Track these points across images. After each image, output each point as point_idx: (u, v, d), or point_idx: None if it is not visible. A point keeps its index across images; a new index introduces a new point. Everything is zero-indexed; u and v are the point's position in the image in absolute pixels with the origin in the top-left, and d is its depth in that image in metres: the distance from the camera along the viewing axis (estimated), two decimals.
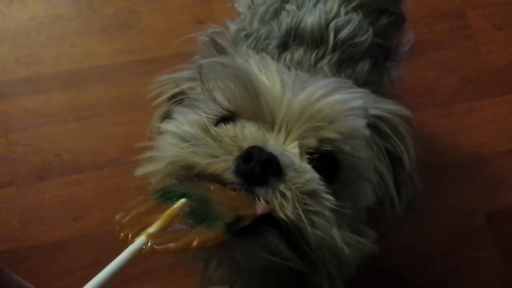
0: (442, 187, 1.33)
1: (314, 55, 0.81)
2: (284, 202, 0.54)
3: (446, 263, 1.26)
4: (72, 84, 1.38)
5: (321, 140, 0.59)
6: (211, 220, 0.50)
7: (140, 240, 0.46)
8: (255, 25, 0.87)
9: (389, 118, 0.67)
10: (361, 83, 0.81)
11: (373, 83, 0.85)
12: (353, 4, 0.87)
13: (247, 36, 0.85)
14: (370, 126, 0.64)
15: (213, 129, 0.59)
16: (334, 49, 0.82)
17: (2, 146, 1.31)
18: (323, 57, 0.81)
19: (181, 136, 0.59)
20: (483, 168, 1.36)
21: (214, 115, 0.63)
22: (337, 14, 0.85)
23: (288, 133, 0.59)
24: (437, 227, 1.29)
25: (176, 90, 0.72)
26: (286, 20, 0.84)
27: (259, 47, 0.82)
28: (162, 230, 0.48)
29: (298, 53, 0.81)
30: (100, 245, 1.20)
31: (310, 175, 0.56)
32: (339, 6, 0.85)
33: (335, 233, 0.55)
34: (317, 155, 0.59)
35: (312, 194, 0.55)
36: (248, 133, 0.58)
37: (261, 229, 0.54)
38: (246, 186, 0.54)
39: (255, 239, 0.55)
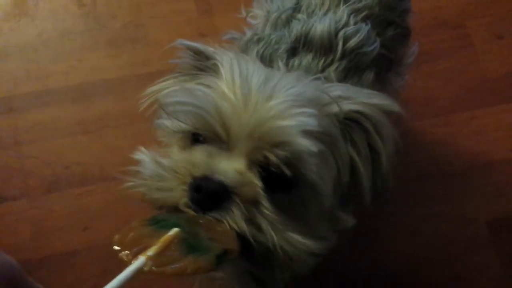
0: (443, 195, 1.34)
1: (322, 61, 0.83)
2: (234, 217, 0.60)
3: (446, 270, 1.27)
4: (80, 97, 1.40)
5: (266, 159, 0.63)
6: (202, 251, 0.55)
7: (140, 261, 0.50)
8: (267, 30, 0.90)
9: (371, 116, 0.68)
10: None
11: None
12: (362, 14, 0.89)
13: (258, 41, 0.87)
14: (352, 120, 0.68)
15: (166, 162, 0.65)
16: (342, 57, 0.84)
17: (12, 159, 1.33)
18: (331, 64, 0.83)
19: (145, 170, 0.66)
20: (483, 176, 1.37)
21: (183, 131, 0.68)
22: (347, 24, 0.87)
23: (240, 150, 0.63)
24: (437, 234, 1.30)
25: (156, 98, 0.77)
26: (296, 27, 0.86)
27: (269, 51, 0.85)
28: (160, 254, 0.52)
29: (306, 59, 0.83)
30: (109, 255, 1.19)
31: (251, 187, 0.62)
32: (349, 16, 0.88)
33: (279, 237, 0.61)
34: (268, 170, 0.64)
35: (255, 202, 0.61)
36: (197, 160, 0.63)
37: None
38: (201, 211, 0.60)
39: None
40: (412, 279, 1.27)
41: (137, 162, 0.68)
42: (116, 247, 0.53)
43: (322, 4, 0.90)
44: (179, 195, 0.62)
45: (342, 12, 0.88)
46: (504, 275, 1.27)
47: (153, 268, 0.50)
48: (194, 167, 0.62)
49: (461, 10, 1.57)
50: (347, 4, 0.90)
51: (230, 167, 0.63)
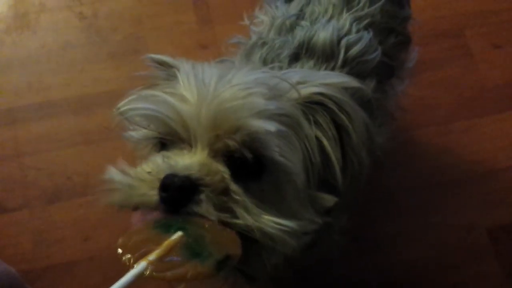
0: (443, 204, 1.34)
1: (323, 68, 0.84)
2: (206, 208, 0.60)
3: (448, 279, 1.26)
4: (82, 109, 1.41)
5: (227, 147, 0.63)
6: (203, 256, 0.55)
7: (141, 266, 0.51)
8: (272, 35, 0.91)
9: (332, 95, 0.69)
10: (367, 100, 0.82)
11: (378, 100, 0.88)
12: (365, 22, 0.90)
13: (263, 45, 0.88)
14: (315, 103, 0.68)
15: (131, 172, 0.66)
16: (343, 65, 0.85)
17: (14, 170, 1.34)
18: (332, 71, 0.84)
19: (115, 184, 0.68)
20: (483, 185, 1.37)
21: (154, 139, 0.70)
22: (349, 31, 0.88)
23: (201, 143, 0.64)
24: (438, 243, 1.30)
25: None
26: (300, 34, 0.87)
27: (272, 56, 0.86)
28: (161, 258, 0.53)
29: (308, 65, 0.84)
30: (109, 265, 1.21)
31: (218, 176, 0.63)
32: (351, 24, 0.89)
33: (257, 220, 0.62)
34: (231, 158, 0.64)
35: (224, 190, 0.62)
36: (159, 164, 0.64)
37: None
38: (174, 209, 0.61)
39: None
40: (413, 287, 1.27)
41: (108, 180, 0.69)
42: (119, 250, 0.54)
43: (325, 11, 0.91)
44: (151, 199, 0.62)
45: (345, 20, 0.89)
46: (505, 282, 1.27)
47: (154, 273, 0.51)
48: (158, 171, 0.63)
49: (459, 20, 1.57)
50: (350, 12, 0.91)
51: (192, 161, 0.63)
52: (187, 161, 0.63)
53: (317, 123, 0.69)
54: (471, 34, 1.56)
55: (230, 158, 0.64)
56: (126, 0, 1.56)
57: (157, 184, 0.62)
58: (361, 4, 0.92)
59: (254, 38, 0.94)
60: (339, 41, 0.86)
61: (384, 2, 0.94)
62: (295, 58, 0.85)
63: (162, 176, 0.62)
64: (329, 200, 0.70)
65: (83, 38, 1.51)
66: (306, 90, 0.68)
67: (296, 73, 0.72)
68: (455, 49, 1.54)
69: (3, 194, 1.32)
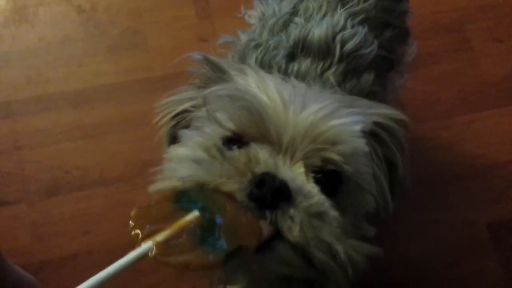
0: (443, 199, 1.34)
1: (320, 65, 0.83)
2: (292, 225, 0.57)
3: (448, 275, 1.27)
4: (80, 102, 1.41)
5: (325, 160, 0.62)
6: (214, 244, 0.53)
7: (146, 246, 0.50)
8: (265, 36, 0.90)
9: (387, 125, 0.69)
10: (365, 94, 0.84)
11: (377, 93, 0.88)
12: (359, 18, 0.90)
13: (256, 46, 0.87)
14: (369, 133, 0.67)
15: (228, 153, 0.62)
16: (340, 60, 0.84)
17: (12, 163, 1.34)
18: (329, 67, 0.84)
19: (194, 159, 0.62)
20: (484, 180, 1.37)
21: (219, 137, 0.66)
22: (344, 27, 0.87)
23: (293, 153, 0.62)
24: (438, 239, 1.30)
25: (179, 109, 0.75)
26: (294, 32, 0.86)
27: (268, 57, 0.85)
28: (170, 239, 0.51)
29: (305, 64, 0.83)
30: (109, 259, 1.20)
31: (317, 198, 0.60)
32: (346, 20, 0.88)
33: (340, 250, 0.59)
34: (321, 173, 0.62)
35: (320, 215, 0.59)
36: (260, 158, 0.61)
37: (274, 245, 0.58)
38: (257, 209, 0.57)
39: (271, 255, 0.58)
40: (414, 284, 1.27)
41: (167, 160, 0.66)
42: (130, 222, 0.52)
43: (320, 8, 0.90)
44: (234, 185, 0.58)
45: (339, 16, 0.89)
46: (506, 278, 1.27)
47: (158, 256, 0.49)
48: (257, 164, 0.60)
49: (460, 14, 1.57)
50: (344, 8, 0.90)
51: (293, 171, 0.61)
52: (287, 168, 0.61)
53: (372, 158, 0.69)
54: (472, 28, 1.55)
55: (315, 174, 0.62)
56: None
57: (249, 176, 0.58)
58: (355, 0, 0.91)
59: (244, 38, 0.93)
60: (334, 37, 0.85)
61: None
62: (291, 57, 0.85)
63: (259, 170, 0.59)
64: (371, 231, 0.69)
65: (82, 32, 1.50)
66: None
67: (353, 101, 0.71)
68: (455, 44, 1.54)
69: (1, 188, 1.31)
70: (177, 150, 0.66)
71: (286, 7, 0.93)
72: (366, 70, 0.87)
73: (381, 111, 0.70)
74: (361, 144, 0.62)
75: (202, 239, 0.53)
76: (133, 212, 0.53)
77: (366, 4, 0.92)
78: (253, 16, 1.00)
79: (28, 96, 1.41)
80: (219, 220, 0.55)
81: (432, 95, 1.46)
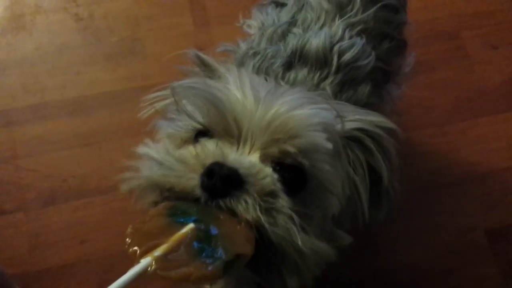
0: (441, 205, 1.35)
1: (317, 75, 0.84)
2: (247, 207, 0.58)
3: (446, 280, 1.27)
4: (78, 110, 1.41)
5: (282, 152, 0.63)
6: (212, 254, 0.53)
7: (145, 262, 0.49)
8: (263, 44, 0.90)
9: (373, 132, 0.69)
10: (362, 105, 0.83)
11: (373, 105, 0.88)
12: (357, 28, 0.90)
13: (254, 55, 0.88)
14: (352, 139, 0.68)
15: (176, 152, 0.64)
16: (337, 71, 0.85)
17: (10, 172, 1.33)
18: (326, 78, 0.84)
19: (153, 159, 0.64)
20: (481, 186, 1.38)
21: (191, 129, 0.68)
22: (342, 38, 0.88)
23: (252, 144, 0.63)
24: (436, 245, 1.30)
25: (163, 104, 0.77)
26: (292, 41, 0.87)
27: (265, 65, 0.85)
28: (168, 253, 0.51)
29: (302, 73, 0.84)
30: (106, 268, 1.22)
31: (268, 179, 0.61)
32: (344, 31, 0.89)
33: (295, 232, 0.60)
34: (284, 166, 0.63)
35: (271, 194, 0.60)
36: (209, 150, 0.62)
37: None
38: (211, 199, 0.58)
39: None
40: None
41: (140, 156, 0.67)
42: (127, 240, 0.52)
43: (318, 18, 0.91)
44: (190, 182, 0.60)
45: (337, 26, 0.89)
46: (504, 284, 1.27)
47: (158, 271, 0.49)
48: (206, 157, 0.61)
49: (456, 21, 1.58)
50: (342, 19, 0.90)
51: (243, 157, 0.62)
52: (238, 156, 0.62)
53: (351, 159, 0.69)
54: (468, 35, 1.56)
55: (276, 167, 0.63)
56: (123, 1, 1.55)
57: (200, 169, 0.59)
58: (354, 11, 0.92)
59: (243, 47, 0.94)
60: (331, 47, 0.86)
61: (378, 8, 0.94)
62: (288, 66, 0.85)
63: (209, 162, 0.59)
64: (346, 239, 0.70)
65: (79, 40, 1.50)
66: (348, 124, 0.68)
67: (335, 106, 0.71)
68: (451, 51, 1.54)
69: None
70: (145, 149, 0.67)
71: (285, 17, 0.93)
72: (363, 82, 0.87)
73: (368, 118, 0.70)
74: (320, 138, 0.62)
75: (199, 250, 0.53)
76: (129, 229, 0.53)
77: (364, 15, 0.92)
78: (252, 26, 1.01)
79: (25, 105, 1.41)
80: (214, 230, 0.56)
81: (428, 102, 1.47)
